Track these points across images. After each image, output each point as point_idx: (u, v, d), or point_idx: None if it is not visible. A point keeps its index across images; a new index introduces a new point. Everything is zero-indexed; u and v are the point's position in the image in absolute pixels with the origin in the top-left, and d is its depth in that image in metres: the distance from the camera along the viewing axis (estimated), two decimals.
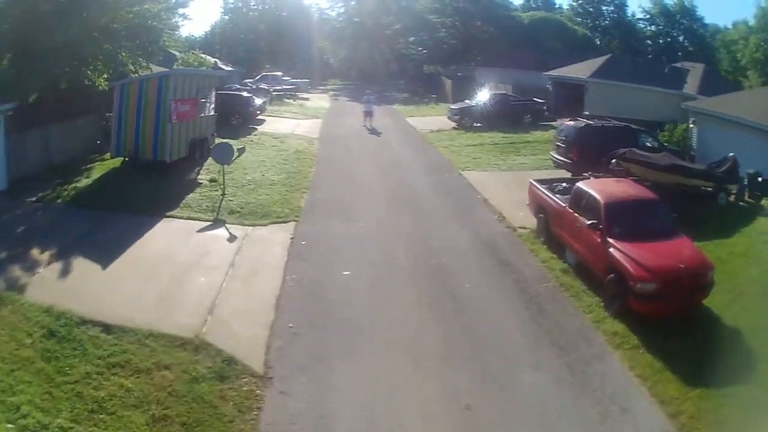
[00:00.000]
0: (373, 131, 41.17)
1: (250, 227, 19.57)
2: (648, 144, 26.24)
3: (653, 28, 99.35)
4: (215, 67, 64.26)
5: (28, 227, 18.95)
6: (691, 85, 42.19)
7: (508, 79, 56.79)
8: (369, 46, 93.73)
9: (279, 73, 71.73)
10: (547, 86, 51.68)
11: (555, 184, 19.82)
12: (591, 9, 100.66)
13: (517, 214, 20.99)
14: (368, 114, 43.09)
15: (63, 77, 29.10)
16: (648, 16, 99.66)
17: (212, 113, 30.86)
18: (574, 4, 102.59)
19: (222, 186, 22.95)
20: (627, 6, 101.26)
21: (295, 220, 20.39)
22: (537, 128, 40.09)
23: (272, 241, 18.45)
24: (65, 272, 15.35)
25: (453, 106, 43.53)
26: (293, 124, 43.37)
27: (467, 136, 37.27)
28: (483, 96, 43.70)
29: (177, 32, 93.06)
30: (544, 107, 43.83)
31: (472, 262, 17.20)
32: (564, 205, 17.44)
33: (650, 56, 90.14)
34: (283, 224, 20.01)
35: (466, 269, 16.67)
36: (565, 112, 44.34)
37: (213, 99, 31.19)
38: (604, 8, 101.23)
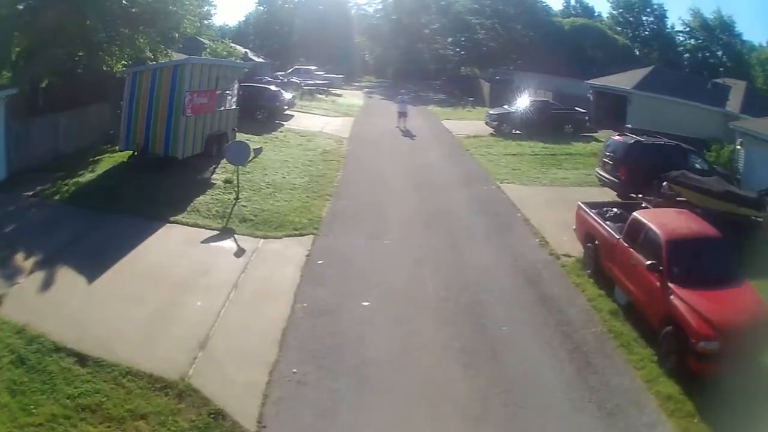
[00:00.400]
0: (407, 133, 39.09)
1: (262, 240, 17.56)
2: (698, 166, 23.83)
3: (692, 41, 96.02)
4: (245, 58, 62.76)
5: (18, 226, 17.29)
6: (734, 102, 40.03)
7: (547, 86, 54.72)
8: (406, 44, 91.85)
9: (312, 67, 69.84)
10: (588, 95, 49.34)
11: (606, 209, 17.52)
12: (631, 18, 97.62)
13: (560, 239, 18.77)
14: (402, 114, 41.06)
15: (77, 62, 27.65)
16: (687, 29, 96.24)
17: (233, 107, 29.00)
18: (614, 12, 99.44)
19: (236, 189, 21.00)
20: (666, 18, 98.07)
21: (313, 233, 18.33)
22: (578, 139, 37.75)
23: (285, 258, 16.38)
24: (47, 285, 13.60)
25: (491, 111, 41.26)
26: (323, 121, 41.43)
27: (505, 144, 34.96)
28: (523, 102, 41.37)
29: (209, 20, 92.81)
30: (586, 117, 41.35)
31: (510, 298, 14.99)
32: (617, 236, 15.20)
33: (687, 70, 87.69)
34: (299, 237, 17.97)
35: (504, 306, 14.46)
36: (605, 123, 42.45)
37: (235, 92, 29.27)
38: (644, 18, 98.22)
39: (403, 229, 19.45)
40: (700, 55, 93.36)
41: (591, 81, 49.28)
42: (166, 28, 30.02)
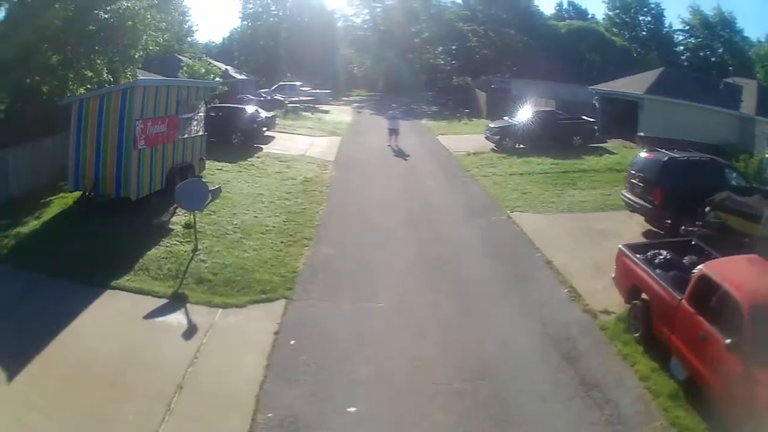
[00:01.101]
0: (399, 153, 35.47)
1: (221, 310, 13.78)
2: (734, 183, 20.15)
3: (693, 40, 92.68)
4: (225, 75, 59.27)
5: None
6: (748, 103, 37.25)
7: (547, 93, 51.60)
8: (395, 55, 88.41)
9: (298, 82, 66.34)
10: (594, 102, 45.92)
11: (653, 253, 13.82)
12: (628, 19, 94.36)
13: (593, 286, 15.18)
14: (394, 132, 37.52)
15: (29, 89, 24.35)
16: (687, 28, 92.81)
17: (201, 133, 25.33)
18: (610, 14, 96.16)
19: (195, 237, 17.26)
20: (664, 17, 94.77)
21: (285, 296, 14.51)
22: (588, 152, 34.21)
23: (247, 340, 12.53)
24: None
25: (492, 125, 37.59)
26: (307, 142, 37.81)
27: (510, 162, 31.34)
28: (525, 113, 37.69)
29: (191, 38, 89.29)
30: (595, 127, 37.75)
31: (542, 381, 11.23)
32: (678, 296, 11.51)
33: (687, 69, 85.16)
34: (267, 304, 14.18)
35: (534, 397, 10.70)
36: (614, 132, 39.04)
37: (202, 115, 25.63)
38: (641, 18, 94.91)
39: (399, 285, 15.58)
40: (701, 54, 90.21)
41: (596, 86, 46.15)
42: (124, 45, 26.62)
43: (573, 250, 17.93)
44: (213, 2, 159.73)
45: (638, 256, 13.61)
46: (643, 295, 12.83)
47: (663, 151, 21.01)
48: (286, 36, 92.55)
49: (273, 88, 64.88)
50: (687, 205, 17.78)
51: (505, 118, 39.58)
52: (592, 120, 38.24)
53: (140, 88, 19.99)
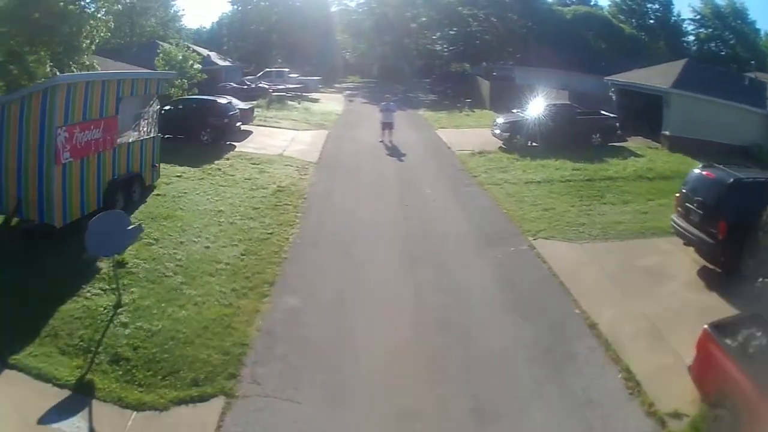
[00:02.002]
0: (394, 152, 30.97)
1: (134, 413, 9.46)
2: None
3: (704, 30, 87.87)
4: (207, 61, 54.88)
5: None
6: None
7: (552, 82, 47.21)
8: (391, 40, 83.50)
9: (285, 69, 61.61)
10: (610, 95, 41.55)
11: (747, 336, 9.43)
12: (635, 6, 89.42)
13: (655, 367, 10.91)
14: (387, 126, 33.10)
15: None
16: (698, 17, 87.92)
17: (152, 134, 20.93)
18: (617, 0, 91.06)
19: (117, 290, 12.81)
20: (672, 5, 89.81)
21: (225, 391, 10.04)
22: (610, 152, 29.89)
23: None
24: None
25: (500, 119, 32.90)
26: (288, 138, 33.24)
27: (524, 166, 26.83)
28: (538, 106, 33.10)
29: (179, 23, 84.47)
30: (616, 123, 33.22)
31: None
32: None
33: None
34: (198, 405, 9.75)
35: None
36: (634, 129, 34.61)
37: (153, 112, 21.20)
38: (648, 6, 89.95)
39: (388, 370, 11.05)
40: (713, 45, 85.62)
41: (613, 77, 41.60)
42: (67, 34, 22.52)
43: (619, 302, 13.57)
44: None
45: (728, 342, 9.28)
46: (735, 402, 8.60)
47: (724, 168, 16.44)
48: (278, 21, 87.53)
49: (258, 75, 60.17)
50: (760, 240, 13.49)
51: (515, 111, 35.11)
52: (613, 116, 33.69)
53: (63, 87, 15.56)
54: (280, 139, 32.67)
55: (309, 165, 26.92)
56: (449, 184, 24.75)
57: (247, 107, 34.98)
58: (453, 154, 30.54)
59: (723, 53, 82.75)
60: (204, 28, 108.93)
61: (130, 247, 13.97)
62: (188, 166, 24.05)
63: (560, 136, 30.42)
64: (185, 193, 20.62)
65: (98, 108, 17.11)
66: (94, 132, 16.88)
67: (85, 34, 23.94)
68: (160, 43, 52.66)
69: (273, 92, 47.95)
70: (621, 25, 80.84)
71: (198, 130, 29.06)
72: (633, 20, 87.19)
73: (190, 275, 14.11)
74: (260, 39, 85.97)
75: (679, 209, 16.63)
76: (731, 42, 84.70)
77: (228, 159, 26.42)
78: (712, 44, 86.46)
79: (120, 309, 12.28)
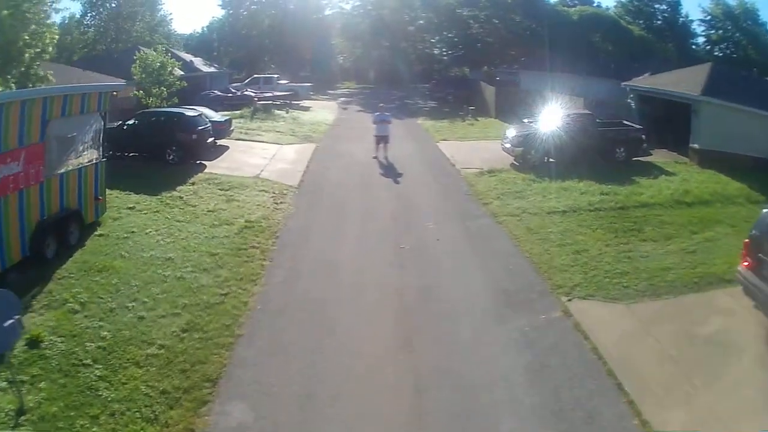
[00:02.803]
0: (389, 170, 26.98)
1: None
2: None
3: (715, 32, 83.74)
4: (189, 68, 51.37)
5: None
6: None
7: (562, 87, 43.25)
8: (388, 44, 79.57)
9: (275, 75, 57.53)
10: (629, 101, 37.59)
11: None
12: (642, 7, 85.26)
13: None
14: (382, 140, 29.04)
15: None
16: (708, 17, 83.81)
17: (95, 161, 17.00)
18: (623, 0, 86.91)
19: (19, 391, 8.93)
20: (681, 5, 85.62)
21: None
22: (638, 170, 25.90)
23: None
24: None
25: (512, 132, 28.71)
26: (269, 154, 29.32)
27: (543, 189, 22.81)
28: (553, 116, 28.97)
29: (168, 28, 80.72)
30: (642, 136, 29.18)
31: None
32: None
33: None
34: None
35: None
36: (656, 140, 30.60)
37: (96, 134, 17.22)
38: (656, 6, 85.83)
39: None
40: (726, 48, 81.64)
41: (632, 83, 37.87)
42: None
43: (686, 400, 9.68)
44: None
45: None
46: None
47: None
48: (270, 25, 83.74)
49: (245, 82, 56.21)
50: None
51: (526, 121, 31.13)
52: (638, 127, 29.58)
53: None
54: (259, 156, 28.69)
55: (288, 190, 22.93)
56: (456, 215, 20.60)
57: (222, 120, 30.96)
58: (458, 173, 26.52)
59: (735, 56, 78.93)
60: (197, 33, 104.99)
61: (51, 317, 10.20)
62: (145, 194, 20.10)
63: (580, 151, 26.51)
64: (133, 232, 16.64)
65: (16, 135, 13.21)
66: (11, 165, 13.05)
67: (22, 43, 20.19)
68: (143, 49, 49.11)
69: (258, 101, 43.88)
70: (629, 26, 76.92)
71: (163, 149, 25.16)
72: (640, 21, 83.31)
73: (113, 365, 10.16)
74: (252, 44, 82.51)
75: (750, 260, 12.52)
76: (743, 43, 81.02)
77: (193, 184, 22.40)
78: (726, 48, 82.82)
79: (23, 417, 8.46)
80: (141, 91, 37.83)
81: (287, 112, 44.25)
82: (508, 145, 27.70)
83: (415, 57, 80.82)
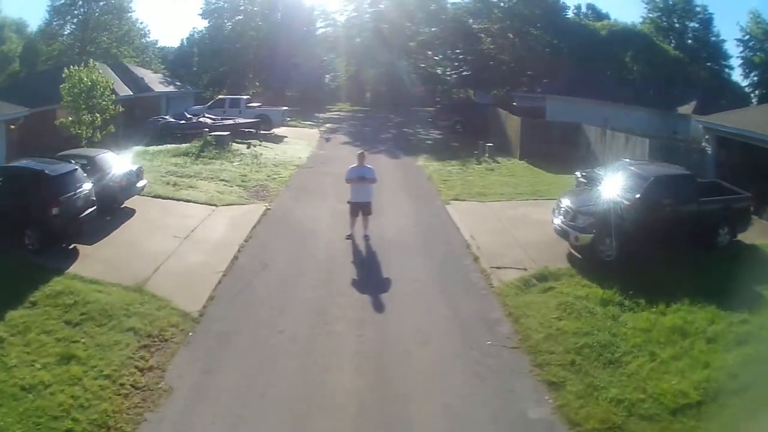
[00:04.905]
0: (367, 273, 16.22)
1: None
2: None
3: (754, 54, 72.89)
4: (141, 87, 41.61)
5: None
6: None
7: (594, 118, 33.67)
8: (386, 61, 68.99)
9: (244, 96, 46.71)
10: (704, 145, 27.53)
11: None
12: (677, 24, 74.71)
13: None
14: (360, 209, 18.29)
15: None
16: (746, 37, 73.15)
17: None
18: (652, 16, 76.08)
19: None
20: (713, 21, 75.01)
21: None
22: (751, 265, 15.42)
23: None
24: None
25: (569, 202, 17.34)
26: (188, 226, 18.92)
27: (646, 332, 12.22)
28: (628, 176, 18.15)
29: (146, 39, 69.94)
30: (749, 206, 18.45)
31: None
32: None
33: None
34: None
35: None
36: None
37: None
38: (686, 23, 75.34)
39: None
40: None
41: (710, 119, 27.69)
42: None
43: None
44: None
45: None
46: None
47: None
48: (255, 37, 73.46)
49: (208, 104, 45.53)
50: None
51: (580, 175, 20.76)
52: (745, 194, 18.67)
53: None
54: (171, 231, 18.17)
55: (175, 329, 12.32)
56: (501, 411, 10.00)
57: (123, 172, 20.28)
58: (486, 278, 15.64)
59: None
60: (174, 47, 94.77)
61: None
62: None
63: (669, 236, 16.17)
64: None
65: None
66: None
67: None
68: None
69: (209, 131, 33.22)
70: (663, 45, 66.57)
71: (16, 228, 14.82)
72: (672, 40, 72.89)
73: None
74: (235, 59, 72.20)
75: None
76: None
77: (33, 305, 12.39)
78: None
79: None
80: (70, 119, 29.84)
81: (249, 147, 33.60)
82: (565, 226, 16.94)
83: (417, 76, 70.16)
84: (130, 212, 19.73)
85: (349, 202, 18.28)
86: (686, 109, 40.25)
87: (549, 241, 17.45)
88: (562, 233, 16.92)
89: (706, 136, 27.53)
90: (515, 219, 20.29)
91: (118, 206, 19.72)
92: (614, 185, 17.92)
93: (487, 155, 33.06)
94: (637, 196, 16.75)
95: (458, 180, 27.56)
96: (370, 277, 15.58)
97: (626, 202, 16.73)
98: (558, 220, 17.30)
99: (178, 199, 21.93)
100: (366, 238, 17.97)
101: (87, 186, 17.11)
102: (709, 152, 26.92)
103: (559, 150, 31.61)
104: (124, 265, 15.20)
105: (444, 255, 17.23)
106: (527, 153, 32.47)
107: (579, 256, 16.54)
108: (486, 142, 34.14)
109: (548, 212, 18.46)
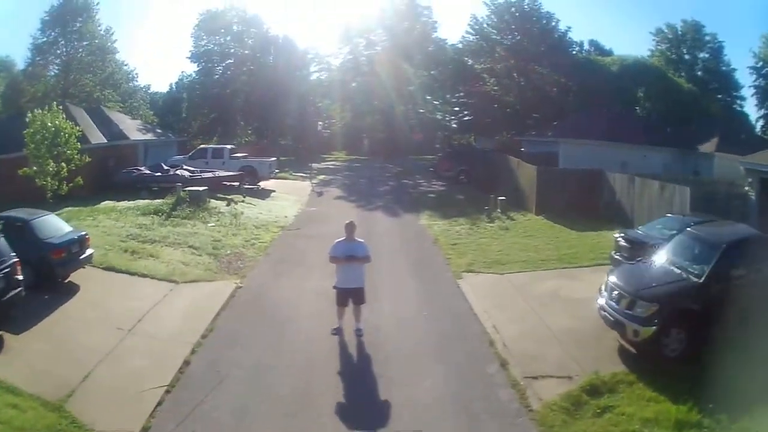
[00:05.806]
0: (359, 392, 11.87)
1: None
2: None
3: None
4: (117, 135, 38.50)
5: None
6: None
7: (611, 162, 32.69)
8: (383, 107, 65.94)
9: (228, 146, 43.15)
10: (746, 190, 24.23)
11: None
12: (687, 56, 72.26)
13: None
14: (350, 296, 14.13)
15: None
16: (760, 64, 70.18)
17: None
18: (661, 47, 73.62)
19: None
20: (723, 50, 72.61)
21: None
22: None
23: None
24: None
25: (617, 279, 13.32)
26: (139, 311, 15.04)
27: None
28: (683, 241, 14.34)
29: (131, 83, 66.84)
30: None
31: None
32: None
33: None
34: None
35: None
36: None
37: None
38: (698, 54, 72.81)
39: None
40: None
41: (752, 159, 24.97)
42: None
43: None
44: (163, 43, 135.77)
45: None
46: None
47: None
48: (246, 82, 70.57)
49: (189, 154, 42.02)
50: None
51: (621, 238, 17.22)
52: None
53: None
54: (113, 321, 14.24)
55: None
56: None
57: (64, 241, 16.49)
58: (521, 395, 11.40)
59: None
60: (163, 92, 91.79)
61: None
62: None
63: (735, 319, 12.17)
64: None
65: None
66: None
67: None
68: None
69: (185, 185, 29.56)
70: (677, 79, 63.50)
71: None
72: (682, 72, 70.04)
73: None
74: (225, 105, 69.26)
75: None
76: None
77: None
78: None
79: None
80: (34, 168, 28.26)
81: (229, 204, 29.81)
82: (618, 315, 12.84)
83: (416, 122, 66.82)
84: (74, 289, 16.03)
85: (335, 288, 14.18)
86: (708, 147, 38.15)
87: (591, 329, 13.54)
88: (615, 324, 12.85)
89: (749, 179, 24.30)
90: (544, 297, 16.30)
91: (61, 280, 16.34)
92: (674, 255, 13.96)
93: (499, 210, 29.16)
94: (707, 269, 12.79)
95: (469, 243, 23.56)
96: (362, 398, 11.45)
97: (694, 279, 12.79)
98: (607, 305, 13.25)
99: (133, 273, 18.11)
100: (358, 333, 13.87)
101: (10, 260, 13.28)
102: (753, 197, 23.52)
103: (578, 201, 28.00)
104: (49, 368, 11.59)
105: (461, 358, 13.02)
106: (544, 207, 28.64)
107: (634, 351, 12.53)
108: (497, 195, 30.24)
109: (581, 285, 15.41)
